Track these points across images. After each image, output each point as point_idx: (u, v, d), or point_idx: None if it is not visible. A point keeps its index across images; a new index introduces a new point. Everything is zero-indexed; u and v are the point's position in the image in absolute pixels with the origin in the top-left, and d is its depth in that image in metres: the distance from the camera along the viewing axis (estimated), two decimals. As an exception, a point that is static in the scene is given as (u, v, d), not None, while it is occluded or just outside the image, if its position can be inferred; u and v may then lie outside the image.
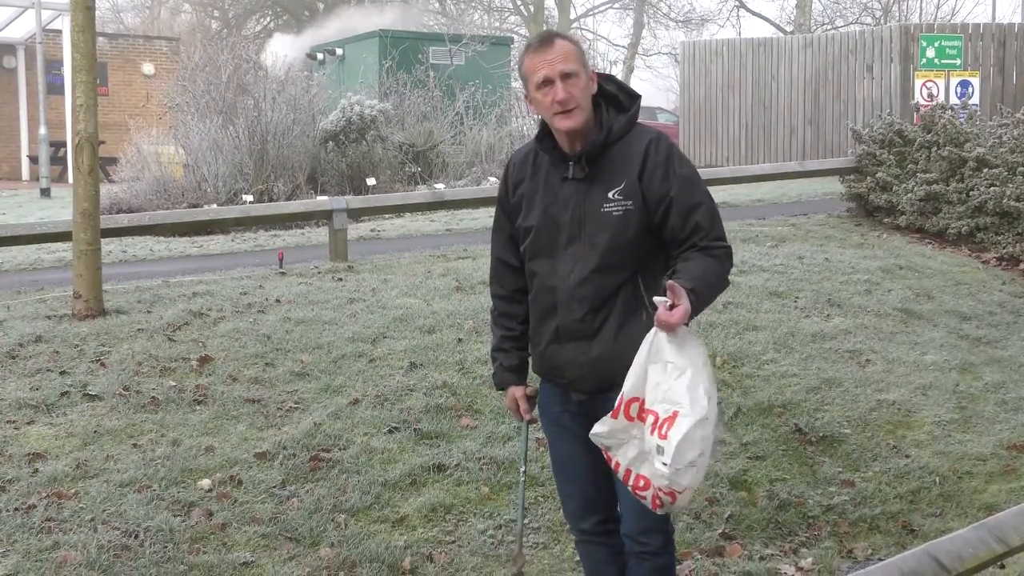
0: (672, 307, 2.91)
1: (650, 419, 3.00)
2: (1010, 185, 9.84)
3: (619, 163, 3.21)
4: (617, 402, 3.04)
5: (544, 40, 3.22)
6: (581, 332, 3.24)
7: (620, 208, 3.18)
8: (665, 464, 2.94)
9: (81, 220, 6.96)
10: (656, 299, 2.97)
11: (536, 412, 3.53)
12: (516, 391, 3.50)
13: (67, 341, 6.30)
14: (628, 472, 3.09)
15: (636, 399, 3.03)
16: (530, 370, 3.52)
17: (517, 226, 3.37)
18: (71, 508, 4.46)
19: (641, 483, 3.07)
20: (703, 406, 2.96)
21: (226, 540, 4.36)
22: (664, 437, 2.95)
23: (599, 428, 3.09)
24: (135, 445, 5.04)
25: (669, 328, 2.93)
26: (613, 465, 3.13)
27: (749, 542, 4.71)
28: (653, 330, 3.00)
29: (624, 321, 3.21)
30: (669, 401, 2.97)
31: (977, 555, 3.13)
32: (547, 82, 3.17)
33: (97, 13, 7.26)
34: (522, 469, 3.68)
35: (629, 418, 3.03)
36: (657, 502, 3.07)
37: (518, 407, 3.51)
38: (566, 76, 3.15)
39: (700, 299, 3.01)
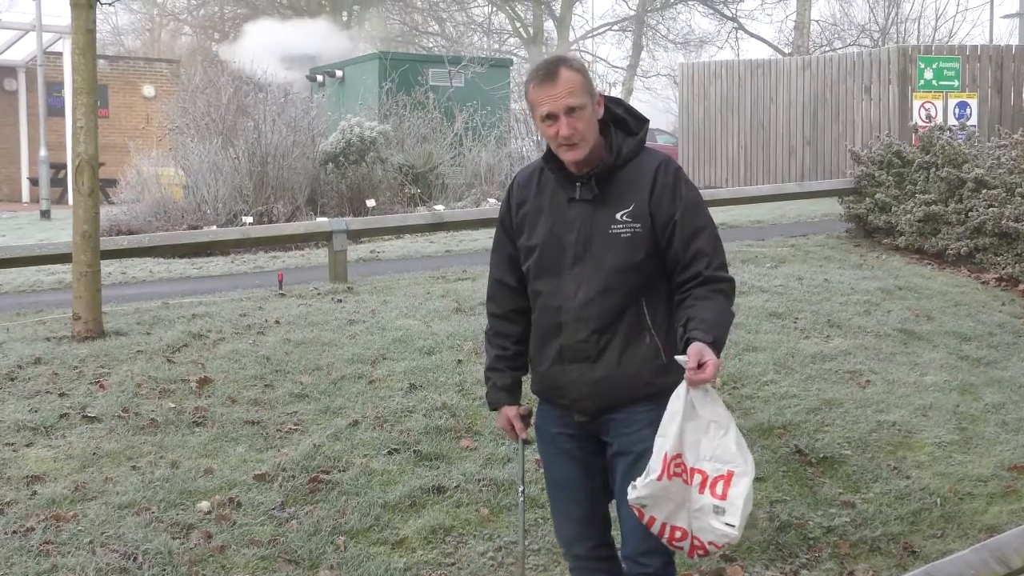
0: (700, 365, 2.92)
1: (697, 478, 3.00)
2: (1009, 206, 9.86)
3: (628, 185, 3.22)
4: (661, 464, 3.00)
5: (548, 73, 3.18)
6: (585, 353, 3.23)
7: (629, 230, 3.19)
8: (731, 525, 2.96)
9: (81, 242, 6.96)
10: (677, 358, 2.98)
11: (532, 432, 3.52)
12: (509, 411, 3.48)
13: (66, 363, 6.29)
14: (664, 526, 3.08)
15: (676, 455, 3.01)
16: (526, 390, 3.51)
17: (519, 245, 3.38)
18: (69, 531, 4.44)
19: (678, 534, 3.07)
20: (752, 462, 3.00)
21: (225, 562, 4.34)
22: (723, 497, 2.96)
23: (642, 491, 3.04)
24: (134, 467, 5.03)
25: (704, 383, 2.94)
26: (647, 520, 3.09)
27: (750, 564, 4.70)
28: (684, 388, 2.99)
29: (628, 344, 3.21)
30: (720, 460, 2.98)
31: (979, 577, 3.12)
32: (551, 116, 3.18)
33: (98, 36, 7.29)
34: (521, 489, 3.66)
35: (670, 476, 3.02)
36: (701, 552, 3.08)
37: (511, 427, 3.49)
38: (571, 110, 3.15)
39: (718, 347, 3.02)
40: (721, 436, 2.98)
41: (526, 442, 3.54)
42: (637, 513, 3.10)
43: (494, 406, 3.53)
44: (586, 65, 3.74)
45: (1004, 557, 3.20)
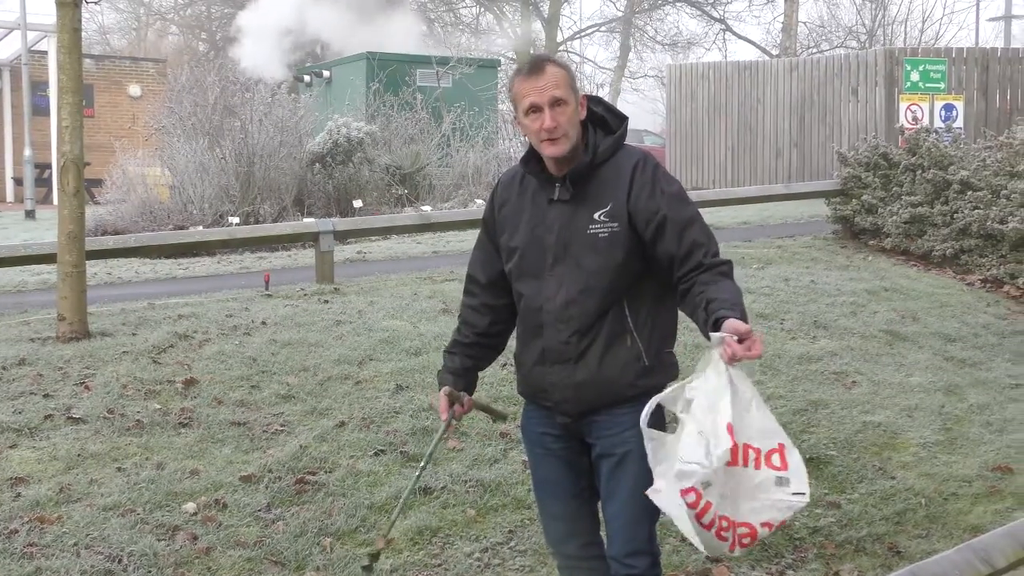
0: (740, 340, 2.83)
1: (752, 455, 2.94)
2: (994, 208, 9.90)
3: (605, 185, 3.21)
4: (727, 433, 2.88)
5: (535, 66, 3.20)
6: (566, 354, 3.23)
7: (607, 230, 3.17)
8: (800, 493, 2.91)
9: (66, 242, 6.94)
10: (713, 335, 2.90)
11: (520, 432, 3.51)
12: (443, 391, 3.43)
13: (51, 364, 6.26)
14: (715, 515, 2.96)
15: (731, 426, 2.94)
16: (513, 392, 3.50)
17: (501, 246, 3.38)
18: (54, 533, 4.42)
19: (724, 524, 2.97)
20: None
21: (211, 564, 4.33)
22: (785, 467, 2.91)
23: (717, 464, 2.88)
24: (119, 469, 5.01)
25: (754, 359, 2.86)
26: (703, 506, 2.93)
27: (735, 564, 4.70)
28: (723, 365, 2.90)
29: (609, 346, 3.20)
30: (767, 435, 2.93)
31: (963, 577, 3.13)
32: (535, 109, 3.17)
33: (84, 35, 7.26)
34: (422, 464, 3.56)
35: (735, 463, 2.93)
36: (746, 540, 2.98)
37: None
38: (555, 103, 3.14)
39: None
40: (766, 412, 2.94)
41: (447, 425, 3.47)
42: (695, 497, 2.90)
43: (440, 386, 3.49)
44: (572, 66, 3.74)
45: (988, 557, 3.22)
